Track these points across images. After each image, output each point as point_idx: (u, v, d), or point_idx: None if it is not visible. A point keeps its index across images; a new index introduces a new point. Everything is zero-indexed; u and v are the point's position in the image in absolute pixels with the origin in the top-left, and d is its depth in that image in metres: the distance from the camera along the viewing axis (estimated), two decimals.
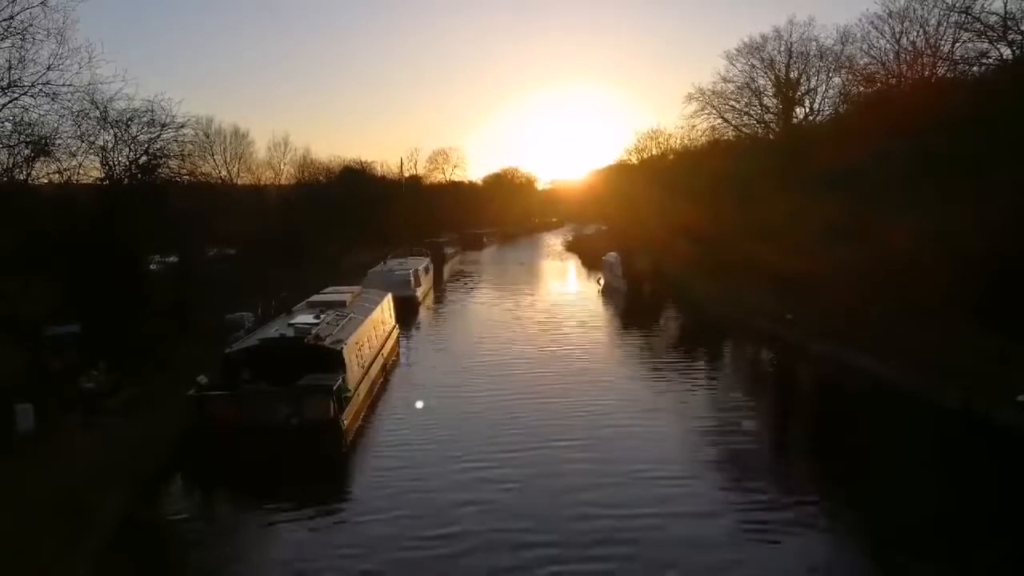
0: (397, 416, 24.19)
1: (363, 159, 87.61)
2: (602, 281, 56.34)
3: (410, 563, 14.09)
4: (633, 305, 46.17)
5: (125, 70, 43.13)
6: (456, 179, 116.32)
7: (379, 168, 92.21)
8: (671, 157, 69.80)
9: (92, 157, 28.56)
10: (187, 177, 32.24)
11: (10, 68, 22.85)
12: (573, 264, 78.84)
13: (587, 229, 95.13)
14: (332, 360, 22.07)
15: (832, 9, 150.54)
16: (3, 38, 22.52)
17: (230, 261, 42.54)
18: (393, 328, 34.68)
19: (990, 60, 30.40)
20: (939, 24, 36.55)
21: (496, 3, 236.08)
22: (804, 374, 30.51)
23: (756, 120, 52.11)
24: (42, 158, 25.75)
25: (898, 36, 39.20)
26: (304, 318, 25.71)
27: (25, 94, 23.40)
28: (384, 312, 33.10)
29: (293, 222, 54.49)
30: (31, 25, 22.53)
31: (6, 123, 23.83)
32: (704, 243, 47.09)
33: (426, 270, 56.71)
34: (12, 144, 24.40)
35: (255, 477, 18.07)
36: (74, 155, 27.19)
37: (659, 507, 16.27)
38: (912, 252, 27.01)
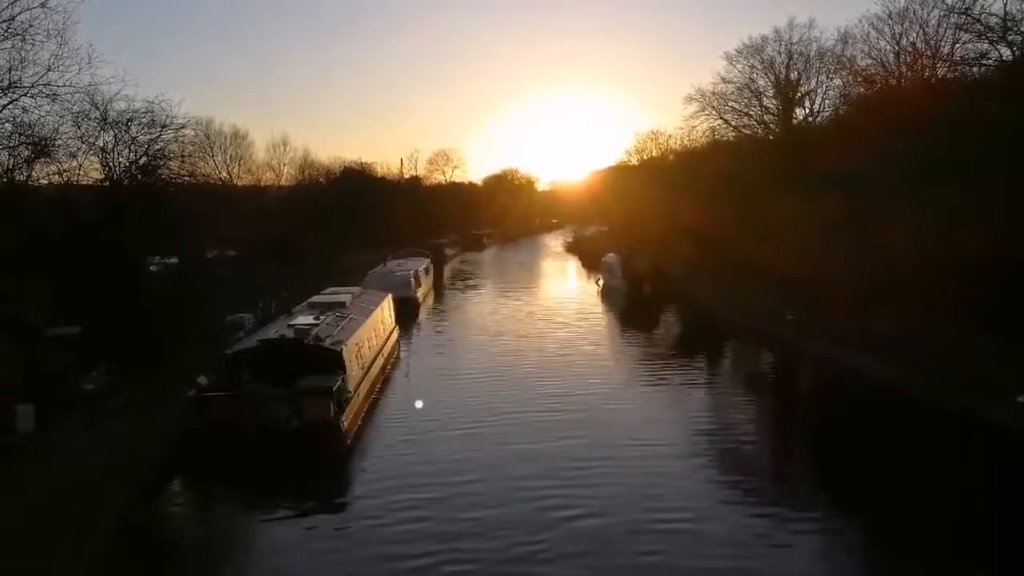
0: (397, 417, 24.18)
1: (363, 160, 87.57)
2: (602, 282, 56.35)
3: (409, 565, 14.06)
4: (633, 306, 46.16)
5: (125, 71, 43.44)
6: (456, 180, 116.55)
7: (379, 169, 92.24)
8: (671, 158, 69.80)
9: (92, 158, 28.54)
10: (187, 178, 32.20)
11: (10, 69, 22.82)
12: (573, 265, 78.85)
13: (587, 230, 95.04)
14: (332, 361, 22.08)
15: (832, 10, 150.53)
16: (3, 39, 22.48)
17: (230, 262, 42.46)
18: (393, 329, 34.68)
19: (990, 61, 30.37)
20: (939, 25, 36.68)
21: (496, 4, 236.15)
22: (804, 375, 30.53)
23: (756, 121, 52.08)
24: (42, 159, 25.70)
25: (898, 37, 39.31)
26: (304, 319, 25.72)
27: (25, 95, 23.36)
28: (384, 313, 33.11)
29: (293, 223, 54.44)
30: (31, 26, 22.49)
31: (6, 124, 23.79)
32: (704, 244, 47.06)
33: (426, 271, 56.73)
34: (12, 145, 24.38)
35: (254, 478, 18.06)
36: (74, 156, 27.18)
37: (660, 505, 16.32)
38: (912, 253, 26.98)
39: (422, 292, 51.31)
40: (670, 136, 72.74)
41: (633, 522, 15.56)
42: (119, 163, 29.36)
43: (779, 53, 49.31)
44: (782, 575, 13.77)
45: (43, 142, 25.00)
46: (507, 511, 16.29)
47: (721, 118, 53.22)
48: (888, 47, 39.90)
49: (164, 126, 29.56)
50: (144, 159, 29.74)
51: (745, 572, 13.72)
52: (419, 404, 25.16)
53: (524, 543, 14.75)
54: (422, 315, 46.36)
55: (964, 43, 33.14)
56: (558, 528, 15.39)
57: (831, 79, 47.65)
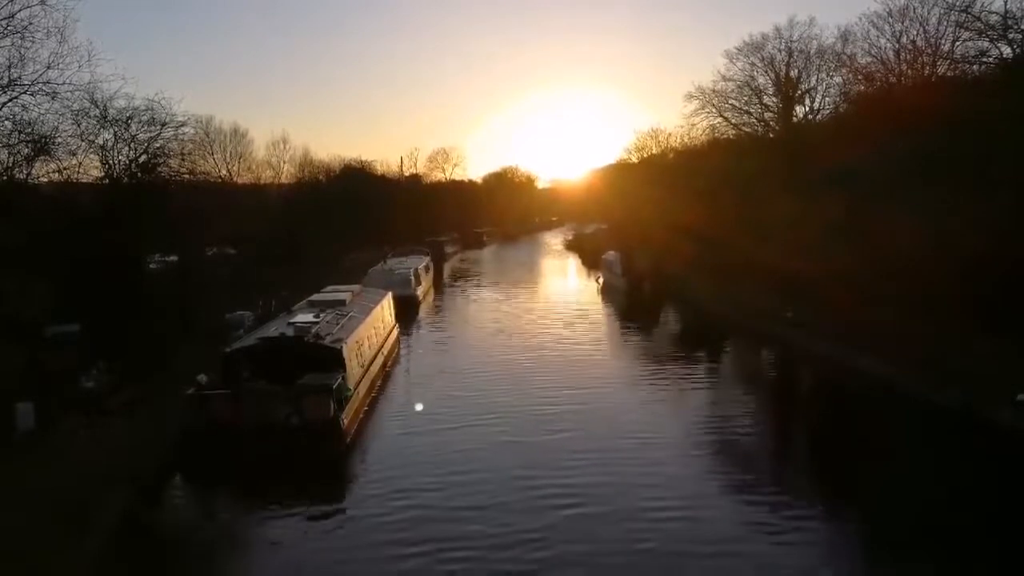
0: (397, 415, 24.19)
1: (363, 158, 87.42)
2: (601, 280, 56.38)
3: (409, 564, 14.06)
4: (633, 304, 46.18)
5: (124, 69, 43.31)
6: (456, 178, 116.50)
7: (379, 167, 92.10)
8: (671, 156, 69.65)
9: (92, 156, 28.55)
10: (187, 176, 32.22)
11: (10, 67, 22.83)
12: (573, 263, 78.89)
13: (587, 228, 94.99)
14: (332, 359, 22.08)
15: (833, 8, 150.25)
16: (3, 36, 22.47)
17: (230, 260, 42.47)
18: (393, 327, 34.68)
19: (990, 59, 30.33)
20: (939, 23, 36.58)
21: (496, 3, 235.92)
22: (804, 374, 30.52)
23: (756, 119, 51.93)
24: (42, 157, 25.70)
25: (898, 35, 39.21)
26: (304, 317, 25.72)
27: (25, 93, 23.36)
28: (384, 311, 33.10)
29: (293, 221, 54.44)
30: (31, 23, 22.51)
31: (6, 122, 23.78)
32: (704, 242, 47.00)
33: (426, 269, 56.74)
34: (12, 143, 24.37)
35: (255, 476, 18.07)
36: (74, 154, 27.18)
37: (657, 495, 16.42)
38: (912, 252, 26.96)
39: (422, 290, 51.32)
40: (670, 134, 72.54)
41: (631, 510, 15.79)
42: (119, 161, 29.41)
43: (779, 51, 49.19)
44: (779, 563, 13.80)
45: (43, 140, 24.99)
46: (507, 501, 16.44)
47: (721, 116, 53.08)
48: (888, 45, 39.85)
49: (164, 124, 29.64)
50: (144, 157, 29.78)
51: (741, 556, 13.81)
52: (419, 407, 25.06)
53: (523, 531, 14.89)
54: (422, 313, 46.37)
55: (964, 41, 33.09)
56: (556, 517, 15.52)
57: (831, 77, 47.53)
